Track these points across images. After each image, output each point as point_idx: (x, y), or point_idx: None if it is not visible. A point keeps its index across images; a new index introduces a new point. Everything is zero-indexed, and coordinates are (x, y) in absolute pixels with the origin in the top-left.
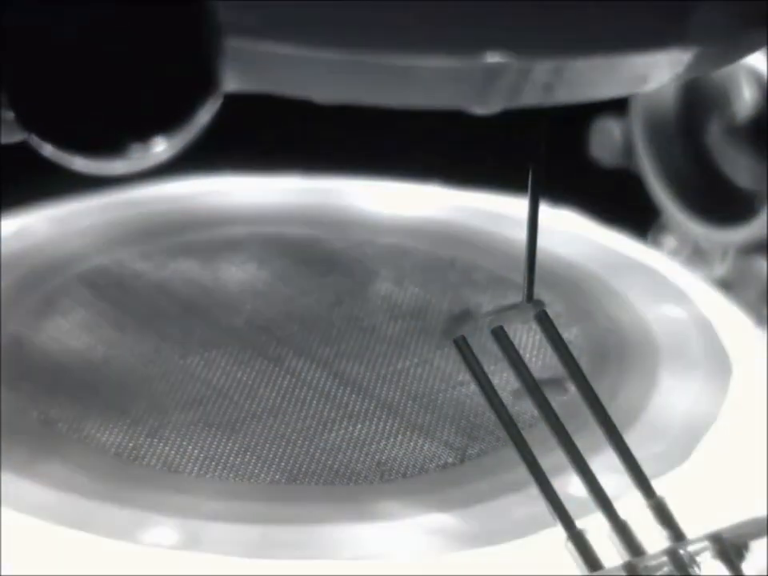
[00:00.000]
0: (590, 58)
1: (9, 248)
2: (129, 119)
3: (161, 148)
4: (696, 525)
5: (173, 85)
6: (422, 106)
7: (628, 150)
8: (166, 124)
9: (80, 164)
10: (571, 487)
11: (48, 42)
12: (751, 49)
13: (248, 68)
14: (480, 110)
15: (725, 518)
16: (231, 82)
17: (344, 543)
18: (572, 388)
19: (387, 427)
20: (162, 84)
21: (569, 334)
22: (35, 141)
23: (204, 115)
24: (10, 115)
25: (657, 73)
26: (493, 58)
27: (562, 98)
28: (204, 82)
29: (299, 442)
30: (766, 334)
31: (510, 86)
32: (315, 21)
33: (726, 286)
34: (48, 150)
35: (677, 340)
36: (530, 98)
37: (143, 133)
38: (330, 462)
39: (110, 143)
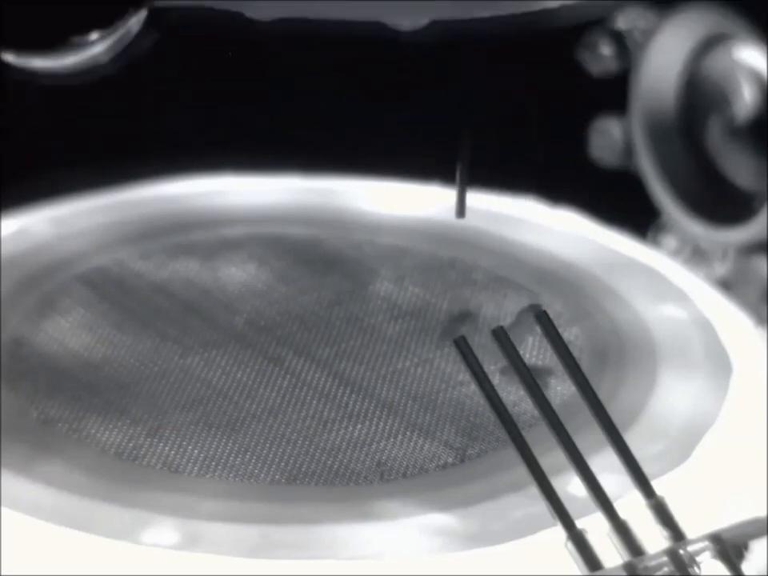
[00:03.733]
0: None
1: (9, 248)
2: (71, 19)
3: (100, 47)
4: (696, 525)
5: None
6: (349, 17)
7: (628, 149)
8: (100, 22)
9: (38, 63)
10: (571, 487)
11: None
12: None
13: None
14: (405, 23)
15: (725, 518)
16: None
17: (344, 543)
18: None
19: (387, 427)
20: None
21: (569, 334)
22: None
23: (135, 21)
24: None
25: None
26: None
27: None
28: None
29: (299, 442)
30: (766, 334)
31: None
32: None
33: (726, 285)
34: (8, 55)
35: (677, 340)
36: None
37: (82, 29)
38: (329, 462)
39: (57, 38)
